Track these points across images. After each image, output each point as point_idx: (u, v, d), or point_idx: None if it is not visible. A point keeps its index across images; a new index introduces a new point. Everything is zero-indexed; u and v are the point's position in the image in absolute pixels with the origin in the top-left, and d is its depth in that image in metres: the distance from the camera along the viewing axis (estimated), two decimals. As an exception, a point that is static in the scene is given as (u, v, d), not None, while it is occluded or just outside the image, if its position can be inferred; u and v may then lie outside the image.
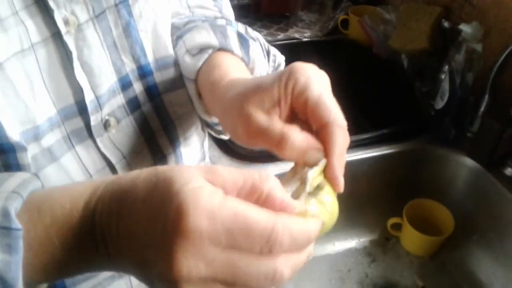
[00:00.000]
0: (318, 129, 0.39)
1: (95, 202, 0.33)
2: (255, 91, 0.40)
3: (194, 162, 0.61)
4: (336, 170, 0.38)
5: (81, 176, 0.46)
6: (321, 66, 1.18)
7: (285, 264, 0.30)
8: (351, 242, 1.02)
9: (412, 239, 0.98)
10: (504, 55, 0.89)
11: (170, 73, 0.52)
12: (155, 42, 0.50)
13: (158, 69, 0.51)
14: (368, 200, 1.00)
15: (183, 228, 0.28)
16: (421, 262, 0.98)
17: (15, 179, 0.34)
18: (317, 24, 1.37)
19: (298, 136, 0.38)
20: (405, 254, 0.99)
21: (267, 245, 0.29)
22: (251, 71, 0.52)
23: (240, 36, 0.52)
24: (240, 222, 0.29)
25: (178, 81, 0.53)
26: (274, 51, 0.58)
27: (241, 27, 0.56)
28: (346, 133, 0.39)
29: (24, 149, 0.39)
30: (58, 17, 0.40)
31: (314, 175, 0.37)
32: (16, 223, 0.31)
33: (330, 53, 1.34)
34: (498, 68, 0.90)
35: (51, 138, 0.43)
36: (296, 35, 1.36)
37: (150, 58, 0.50)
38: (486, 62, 0.95)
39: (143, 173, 0.32)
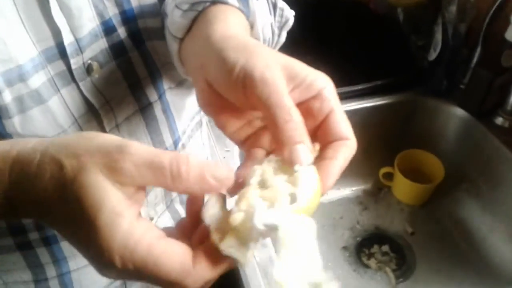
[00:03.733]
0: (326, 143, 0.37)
1: (7, 179, 0.33)
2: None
3: (185, 111, 0.60)
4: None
5: (66, 119, 0.46)
6: (318, 23, 1.19)
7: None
8: (344, 192, 1.04)
9: (403, 188, 1.00)
10: (496, 4, 0.89)
11: (156, 22, 0.50)
12: None
13: (142, 15, 0.50)
14: (361, 150, 1.00)
15: (99, 258, 0.31)
16: (411, 211, 1.01)
17: None
18: (315, -19, 1.37)
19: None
20: (396, 203, 1.02)
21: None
22: (251, 24, 0.46)
23: None
24: (150, 270, 0.31)
25: (161, 30, 0.50)
26: (281, 4, 0.53)
27: None
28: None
29: None
30: None
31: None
32: None
33: (327, 10, 1.34)
34: (491, 18, 0.91)
35: (37, 80, 0.43)
36: (293, -8, 1.36)
37: (134, 3, 0.49)
38: (480, 13, 0.95)
39: (47, 173, 0.32)
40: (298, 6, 1.40)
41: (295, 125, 0.34)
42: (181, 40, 0.45)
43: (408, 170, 0.97)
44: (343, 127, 0.36)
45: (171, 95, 0.56)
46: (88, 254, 0.32)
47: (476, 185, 0.97)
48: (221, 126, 0.40)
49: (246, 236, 0.31)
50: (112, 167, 0.31)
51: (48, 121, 0.45)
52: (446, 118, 0.99)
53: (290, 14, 0.54)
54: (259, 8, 0.47)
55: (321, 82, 0.36)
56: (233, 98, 0.37)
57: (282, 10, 0.53)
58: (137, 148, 0.31)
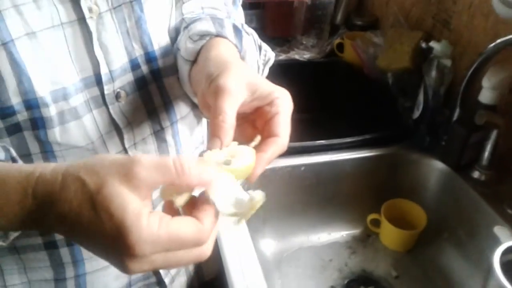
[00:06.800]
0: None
1: (30, 201, 0.40)
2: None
3: (191, 140, 0.72)
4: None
5: (94, 133, 0.57)
6: (318, 84, 1.36)
7: (206, 248, 0.41)
8: (335, 236, 1.12)
9: (389, 234, 1.08)
10: (470, 71, 1.01)
11: (170, 59, 0.64)
12: (159, 33, 0.62)
13: (161, 56, 0.63)
14: (350, 198, 1.11)
15: (132, 252, 0.37)
16: (397, 256, 1.08)
17: None
18: (316, 47, 1.51)
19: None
20: (383, 249, 1.09)
21: (196, 247, 0.40)
22: (242, 58, 0.61)
23: (235, 28, 0.61)
24: (175, 241, 0.38)
25: (174, 67, 0.64)
26: (265, 47, 0.68)
27: (238, 22, 0.65)
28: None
29: (46, 105, 0.51)
30: (84, 6, 0.53)
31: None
32: None
33: (326, 73, 1.47)
34: (467, 82, 1.02)
35: (77, 100, 0.55)
36: (297, 57, 1.49)
37: (156, 46, 0.62)
38: (458, 76, 1.07)
39: (72, 189, 0.38)
40: (299, 70, 1.55)
41: (221, 124, 0.45)
42: (192, 62, 0.58)
43: (394, 218, 1.05)
44: (280, 127, 0.47)
45: (181, 124, 0.68)
46: (114, 255, 0.38)
47: (456, 234, 1.04)
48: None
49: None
50: (127, 174, 0.38)
51: (81, 133, 0.55)
52: (428, 170, 1.08)
53: (271, 55, 0.68)
54: (249, 46, 0.62)
55: (277, 93, 0.49)
56: (209, 102, 0.48)
57: (265, 51, 0.67)
58: (145, 156, 0.39)
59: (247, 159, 0.44)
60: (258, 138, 0.48)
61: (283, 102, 0.49)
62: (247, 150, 0.45)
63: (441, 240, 1.07)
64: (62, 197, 0.38)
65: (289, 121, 0.49)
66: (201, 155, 0.44)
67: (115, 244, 0.37)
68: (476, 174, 1.02)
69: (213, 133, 0.45)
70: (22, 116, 0.51)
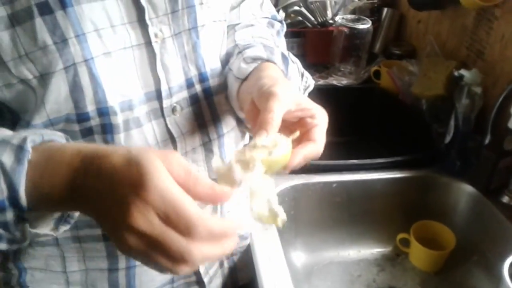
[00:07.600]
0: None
1: (79, 160, 0.45)
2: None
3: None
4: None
5: (152, 140, 0.65)
6: (354, 109, 1.46)
7: (198, 249, 0.41)
8: (364, 254, 1.16)
9: (418, 254, 1.11)
10: (500, 99, 1.05)
11: (220, 80, 0.72)
12: (211, 57, 0.71)
13: (212, 76, 0.71)
14: (380, 217, 1.15)
15: (141, 195, 0.40)
16: (425, 277, 1.10)
17: (50, 132, 0.50)
18: (353, 74, 1.57)
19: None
20: (411, 268, 1.12)
21: (187, 229, 0.41)
22: None
23: (283, 56, 0.71)
24: (176, 205, 0.40)
25: (223, 86, 0.73)
26: (307, 74, 0.77)
27: (285, 51, 0.74)
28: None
29: (115, 113, 0.60)
30: (151, 32, 0.62)
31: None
32: (28, 147, 0.45)
33: (363, 98, 1.53)
34: (497, 109, 1.06)
35: (139, 111, 0.63)
36: (335, 82, 1.56)
37: (208, 68, 0.70)
38: (489, 103, 1.11)
39: (119, 153, 0.43)
40: (336, 95, 1.62)
41: (269, 120, 0.53)
42: (242, 81, 0.66)
43: (423, 238, 1.09)
44: (318, 135, 0.58)
45: (227, 137, 0.76)
46: (123, 202, 0.40)
47: (485, 257, 1.06)
48: (252, 124, 0.60)
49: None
50: (163, 156, 0.43)
51: (141, 139, 0.64)
52: (457, 194, 1.11)
53: (311, 82, 0.77)
54: (293, 73, 0.72)
55: (317, 109, 0.59)
56: (259, 105, 0.57)
57: (307, 78, 0.76)
58: (179, 156, 0.44)
59: (284, 148, 0.53)
60: (297, 133, 0.57)
61: (322, 117, 0.59)
62: (284, 140, 0.54)
63: (469, 263, 1.09)
64: (108, 158, 0.43)
65: (325, 134, 0.59)
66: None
67: (132, 185, 0.40)
68: (505, 199, 1.05)
69: (261, 127, 0.53)
70: (94, 121, 0.60)
